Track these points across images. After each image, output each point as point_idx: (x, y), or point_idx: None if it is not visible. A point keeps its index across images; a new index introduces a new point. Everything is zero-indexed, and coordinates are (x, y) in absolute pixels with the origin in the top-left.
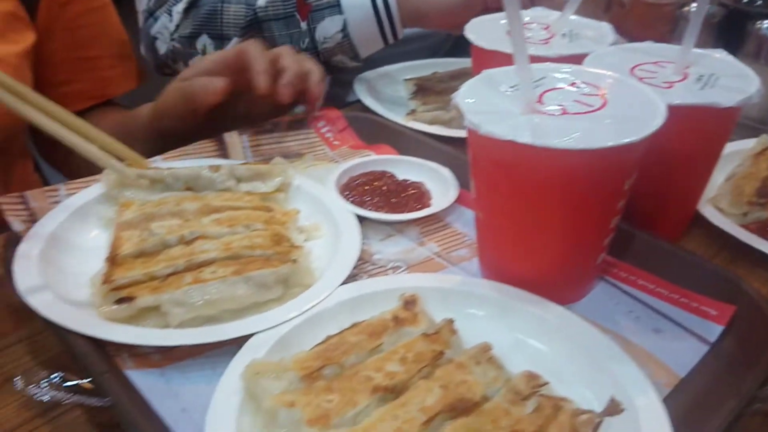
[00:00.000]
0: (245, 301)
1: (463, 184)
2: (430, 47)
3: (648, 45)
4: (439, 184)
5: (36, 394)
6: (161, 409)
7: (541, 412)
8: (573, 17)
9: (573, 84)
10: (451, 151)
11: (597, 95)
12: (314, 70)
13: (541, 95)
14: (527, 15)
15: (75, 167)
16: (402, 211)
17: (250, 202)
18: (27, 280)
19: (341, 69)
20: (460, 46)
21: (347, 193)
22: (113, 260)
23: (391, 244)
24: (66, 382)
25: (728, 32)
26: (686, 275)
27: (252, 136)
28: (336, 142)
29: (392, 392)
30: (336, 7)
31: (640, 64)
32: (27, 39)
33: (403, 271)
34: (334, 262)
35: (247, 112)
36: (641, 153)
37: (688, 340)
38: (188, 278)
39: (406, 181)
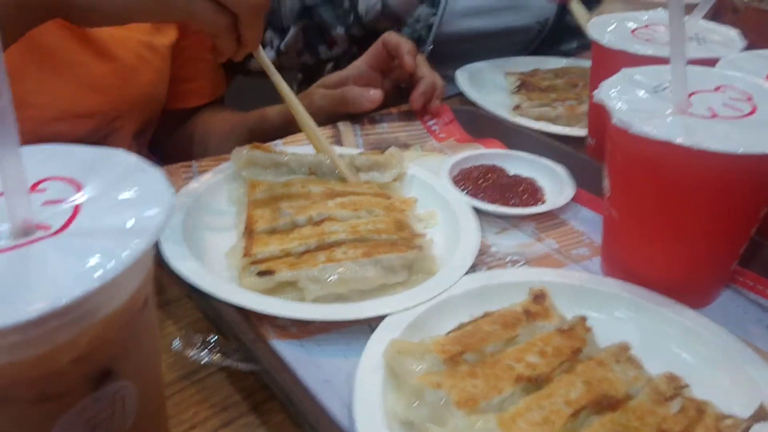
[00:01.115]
0: (374, 282)
1: (578, 182)
2: (516, 44)
3: None
4: (552, 181)
5: (193, 355)
6: (306, 378)
7: (686, 414)
8: (700, 21)
9: (718, 88)
10: (563, 147)
11: (744, 100)
12: (441, 84)
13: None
14: (654, 16)
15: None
16: (516, 206)
17: (370, 189)
18: (173, 249)
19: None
20: (547, 43)
21: (461, 184)
22: (250, 235)
23: (507, 238)
24: (220, 346)
25: None
26: None
27: (364, 125)
28: (442, 135)
29: (534, 383)
30: None
31: None
32: (172, 34)
33: (522, 264)
34: (456, 252)
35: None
36: None
37: None
38: (322, 257)
39: (519, 176)
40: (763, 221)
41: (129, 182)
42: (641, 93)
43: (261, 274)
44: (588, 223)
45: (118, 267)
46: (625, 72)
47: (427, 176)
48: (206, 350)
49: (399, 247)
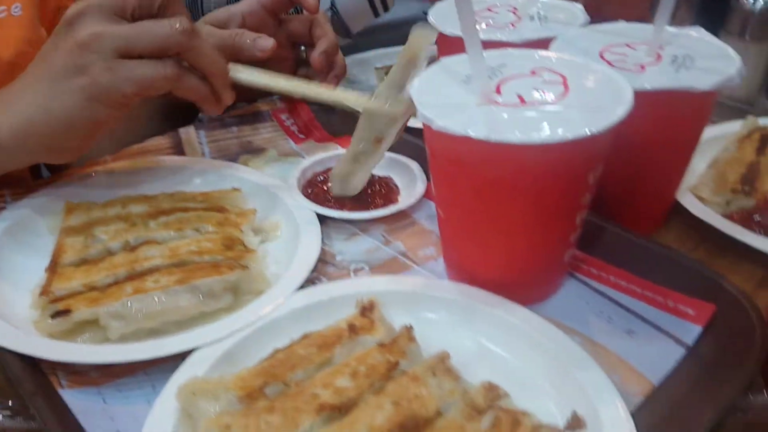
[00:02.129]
0: (190, 311)
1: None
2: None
3: (620, 25)
4: (408, 179)
5: None
6: (93, 430)
7: (499, 427)
8: None
9: (533, 72)
10: (421, 143)
11: (559, 83)
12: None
13: (499, 85)
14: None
15: None
16: (367, 209)
17: (203, 203)
18: None
19: None
20: None
21: (309, 190)
22: (53, 269)
23: (354, 244)
24: None
25: (709, 8)
26: (661, 271)
27: (210, 131)
28: (301, 135)
29: (339, 410)
30: None
31: (611, 46)
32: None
33: (365, 273)
34: (291, 266)
35: None
36: (607, 144)
37: (663, 342)
38: (129, 288)
39: (373, 176)
40: (600, 205)
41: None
42: (453, 84)
43: (56, 315)
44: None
45: None
46: (442, 62)
47: (274, 184)
48: None
49: (220, 269)
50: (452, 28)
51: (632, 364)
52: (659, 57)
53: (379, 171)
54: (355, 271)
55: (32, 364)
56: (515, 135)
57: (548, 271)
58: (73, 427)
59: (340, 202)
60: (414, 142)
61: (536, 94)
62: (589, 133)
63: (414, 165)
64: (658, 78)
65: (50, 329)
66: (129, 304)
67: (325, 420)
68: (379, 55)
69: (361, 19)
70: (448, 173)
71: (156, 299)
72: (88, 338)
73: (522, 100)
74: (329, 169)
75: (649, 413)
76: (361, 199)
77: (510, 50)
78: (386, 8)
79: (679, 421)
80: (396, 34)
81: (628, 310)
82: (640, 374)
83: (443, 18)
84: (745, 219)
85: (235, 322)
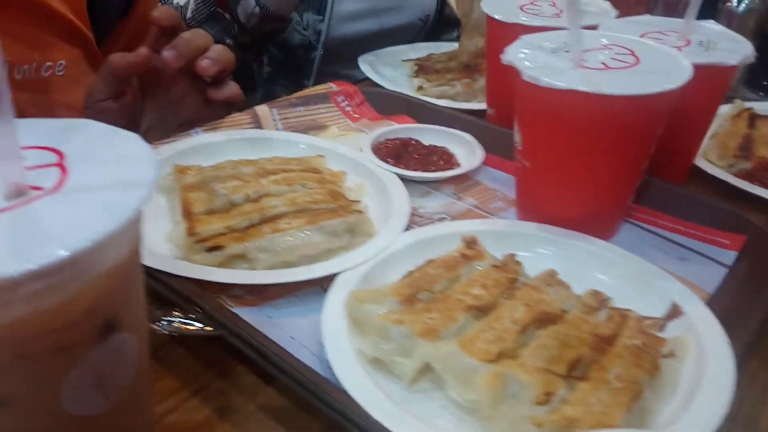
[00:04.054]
0: (320, 247)
1: (486, 147)
2: (402, 41)
3: (647, 17)
4: (462, 148)
5: (159, 329)
6: (272, 337)
7: (612, 320)
8: None
9: (604, 46)
10: (468, 118)
11: (629, 54)
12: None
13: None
14: None
15: None
16: (434, 171)
17: (299, 165)
18: None
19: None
20: (430, 36)
21: (383, 156)
22: (190, 217)
23: (431, 200)
24: (180, 319)
25: (700, 9)
26: (697, 214)
27: (281, 109)
28: (356, 115)
29: (482, 311)
30: None
31: (648, 32)
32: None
33: (449, 221)
34: (391, 214)
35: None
36: (673, 102)
37: (709, 265)
38: (267, 229)
39: (433, 145)
40: (650, 161)
41: (107, 144)
42: (542, 54)
43: (210, 249)
44: (499, 182)
45: (126, 214)
46: (524, 38)
47: (351, 152)
48: (167, 324)
49: (340, 213)
50: (499, 15)
51: (691, 280)
52: (688, 42)
53: (436, 142)
54: (439, 220)
55: (202, 289)
56: (611, 88)
57: (617, 211)
58: (258, 331)
59: (413, 167)
60: (466, 118)
61: (615, 62)
62: (670, 88)
63: (468, 136)
64: (695, 56)
65: (206, 261)
66: (274, 240)
67: (473, 317)
68: (400, 51)
69: (288, 4)
70: (543, 127)
71: (293, 236)
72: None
73: (606, 66)
74: (394, 139)
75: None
76: (428, 164)
77: (582, 30)
78: None
79: (733, 320)
80: (403, 36)
81: (677, 243)
82: (697, 286)
83: (494, 8)
84: (746, 177)
85: (366, 252)
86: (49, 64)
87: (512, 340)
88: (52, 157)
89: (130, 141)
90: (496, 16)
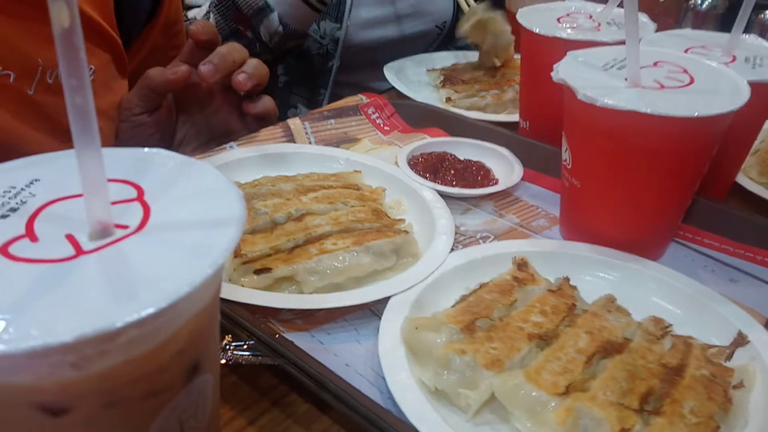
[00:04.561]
0: (367, 269)
1: (521, 161)
2: (419, 48)
3: (688, 31)
4: (498, 162)
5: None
6: (327, 365)
7: (677, 348)
8: (614, 9)
9: (656, 63)
10: (503, 131)
11: (681, 72)
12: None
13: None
14: (572, 6)
15: None
16: (474, 187)
17: (337, 182)
18: None
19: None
20: (445, 43)
21: (420, 171)
22: None
23: (472, 217)
24: (233, 346)
25: (732, 22)
26: (743, 233)
27: (313, 122)
28: (387, 128)
29: (544, 339)
30: (266, 8)
31: (691, 48)
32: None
33: (492, 240)
34: (435, 233)
35: (226, 129)
36: (728, 123)
37: (762, 287)
38: (313, 250)
39: (469, 160)
40: None
41: (183, 176)
42: (593, 71)
43: (259, 271)
44: (539, 198)
45: (222, 254)
46: (572, 54)
47: (387, 167)
48: (223, 352)
49: (386, 233)
50: (538, 28)
51: (745, 304)
52: (734, 58)
53: (472, 156)
54: (483, 239)
55: (251, 314)
56: (672, 110)
57: (667, 232)
58: (314, 360)
59: (450, 182)
60: (501, 131)
61: (669, 81)
62: (731, 109)
63: (505, 150)
64: (744, 73)
65: (254, 284)
66: (322, 261)
67: (536, 346)
68: (423, 60)
69: (307, 19)
70: (596, 147)
71: (341, 257)
72: (286, 293)
73: (661, 85)
74: (429, 153)
75: None
76: (465, 179)
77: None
78: (323, 2)
79: None
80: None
81: (726, 264)
82: (752, 310)
83: (531, 20)
84: None
85: (416, 274)
86: None
87: (579, 371)
88: (131, 192)
89: (206, 173)
90: (536, 30)
